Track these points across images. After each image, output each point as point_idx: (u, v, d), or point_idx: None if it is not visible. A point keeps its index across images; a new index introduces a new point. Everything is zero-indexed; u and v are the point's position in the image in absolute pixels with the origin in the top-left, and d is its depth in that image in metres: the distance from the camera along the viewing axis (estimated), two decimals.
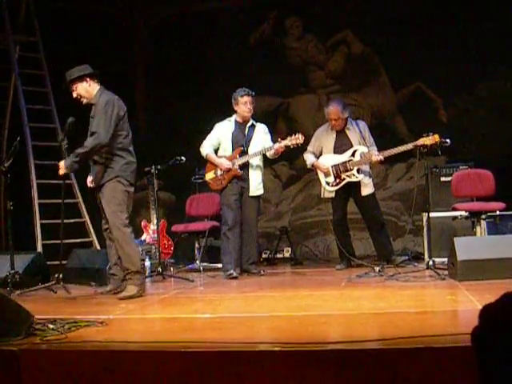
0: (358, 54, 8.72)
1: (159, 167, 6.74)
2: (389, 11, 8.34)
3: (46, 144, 8.23)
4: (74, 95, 5.26)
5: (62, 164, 5.21)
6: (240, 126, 6.61)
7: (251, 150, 6.53)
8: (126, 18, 9.04)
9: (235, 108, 6.61)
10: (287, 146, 6.39)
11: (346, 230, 6.90)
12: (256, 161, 6.56)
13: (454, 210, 6.48)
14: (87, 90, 5.25)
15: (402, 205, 8.34)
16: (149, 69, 9.17)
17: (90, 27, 8.91)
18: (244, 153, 6.52)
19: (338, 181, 6.65)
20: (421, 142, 6.01)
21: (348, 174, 6.60)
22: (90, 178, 5.45)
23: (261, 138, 6.61)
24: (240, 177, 6.49)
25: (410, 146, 6.24)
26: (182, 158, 6.77)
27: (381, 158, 6.47)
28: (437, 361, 2.65)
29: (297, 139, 6.35)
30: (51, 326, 3.43)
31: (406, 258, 6.73)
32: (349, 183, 6.63)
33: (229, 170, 6.48)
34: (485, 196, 6.58)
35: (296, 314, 4.01)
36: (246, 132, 6.61)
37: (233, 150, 6.56)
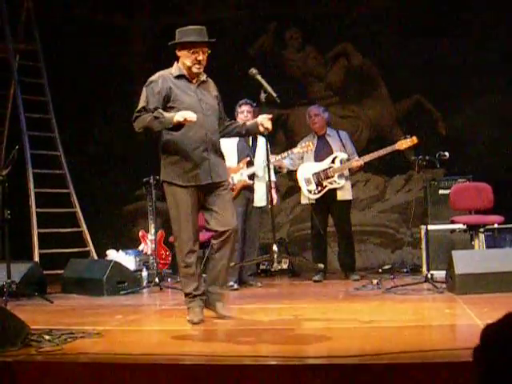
0: (357, 66, 8.72)
1: (158, 177, 6.71)
2: (388, 24, 8.38)
3: (45, 153, 8.25)
4: (202, 58, 4.42)
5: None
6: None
7: (256, 161, 6.53)
8: (125, 27, 9.03)
9: (237, 119, 6.59)
10: (298, 153, 6.65)
11: (324, 244, 6.86)
12: (261, 172, 6.55)
13: (453, 222, 6.46)
14: None
15: (401, 217, 8.32)
16: (147, 78, 9.15)
17: (90, 36, 8.92)
18: (251, 163, 6.50)
19: (319, 188, 6.70)
20: (399, 144, 6.27)
21: (329, 180, 6.67)
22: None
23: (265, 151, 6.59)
24: (249, 187, 6.47)
25: (389, 149, 6.38)
26: None
27: (361, 162, 6.61)
28: (434, 376, 2.63)
29: (307, 146, 6.51)
30: (47, 337, 3.41)
31: (358, 277, 6.59)
32: (329, 190, 6.67)
33: (238, 180, 6.42)
34: (483, 209, 6.55)
35: (293, 327, 3.99)
36: (251, 143, 6.60)
37: (238, 160, 6.54)
